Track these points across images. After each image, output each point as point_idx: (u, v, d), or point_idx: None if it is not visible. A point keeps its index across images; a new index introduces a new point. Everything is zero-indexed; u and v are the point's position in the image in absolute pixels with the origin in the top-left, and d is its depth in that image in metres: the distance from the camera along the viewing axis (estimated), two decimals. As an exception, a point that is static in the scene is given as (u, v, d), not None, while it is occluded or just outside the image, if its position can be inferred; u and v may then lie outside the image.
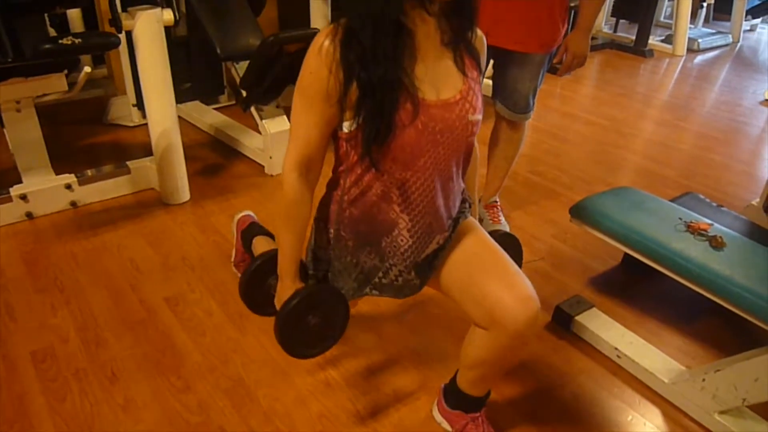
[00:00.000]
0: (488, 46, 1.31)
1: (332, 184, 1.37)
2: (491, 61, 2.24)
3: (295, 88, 1.23)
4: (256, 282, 1.52)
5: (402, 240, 1.35)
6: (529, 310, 1.29)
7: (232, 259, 2.22)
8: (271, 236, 2.07)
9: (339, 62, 1.15)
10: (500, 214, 2.56)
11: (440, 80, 1.24)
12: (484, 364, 1.44)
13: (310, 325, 1.38)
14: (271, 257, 1.49)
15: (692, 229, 1.81)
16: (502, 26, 2.07)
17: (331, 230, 1.40)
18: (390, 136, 1.19)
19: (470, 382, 1.52)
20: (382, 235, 1.35)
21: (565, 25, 2.17)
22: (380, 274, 1.42)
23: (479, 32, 1.33)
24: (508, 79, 2.22)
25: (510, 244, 1.63)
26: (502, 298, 1.30)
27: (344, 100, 1.18)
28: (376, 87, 1.15)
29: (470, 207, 1.51)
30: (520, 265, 1.62)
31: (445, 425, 1.64)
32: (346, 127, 1.22)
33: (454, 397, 1.59)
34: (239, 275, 2.19)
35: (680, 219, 1.87)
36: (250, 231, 2.07)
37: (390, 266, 1.40)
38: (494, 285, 1.32)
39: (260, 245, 1.97)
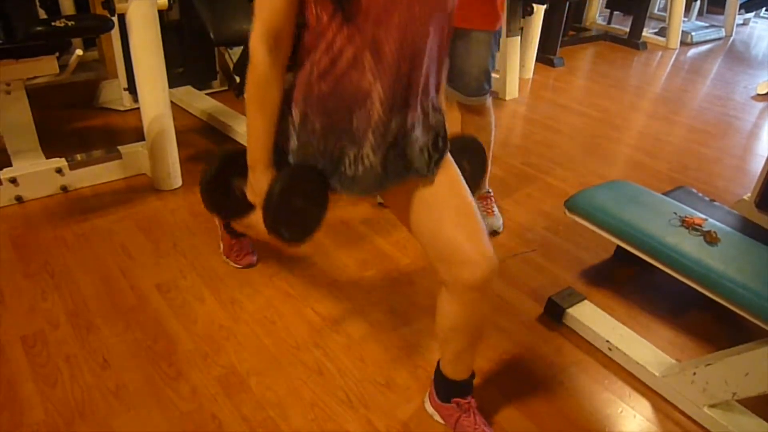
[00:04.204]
0: None
1: (298, 63, 1.26)
2: None
3: None
4: (219, 189, 1.46)
5: (375, 112, 1.26)
6: (485, 265, 1.34)
7: (221, 250, 2.21)
8: None
9: None
10: (494, 205, 2.55)
11: None
12: (455, 331, 1.47)
13: (298, 207, 1.33)
14: (231, 157, 1.45)
15: (687, 224, 1.81)
16: None
17: (296, 112, 1.30)
18: None
19: (450, 363, 1.54)
20: (354, 110, 1.26)
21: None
22: (347, 162, 1.32)
23: None
24: (455, 59, 2.20)
25: (473, 149, 1.67)
26: (464, 249, 1.34)
27: None
28: None
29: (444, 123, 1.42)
30: (484, 173, 1.82)
31: (437, 417, 1.65)
32: None
33: (443, 388, 1.60)
34: (232, 264, 2.19)
35: (675, 213, 1.87)
36: None
37: (360, 145, 1.30)
38: (459, 236, 1.35)
39: None
